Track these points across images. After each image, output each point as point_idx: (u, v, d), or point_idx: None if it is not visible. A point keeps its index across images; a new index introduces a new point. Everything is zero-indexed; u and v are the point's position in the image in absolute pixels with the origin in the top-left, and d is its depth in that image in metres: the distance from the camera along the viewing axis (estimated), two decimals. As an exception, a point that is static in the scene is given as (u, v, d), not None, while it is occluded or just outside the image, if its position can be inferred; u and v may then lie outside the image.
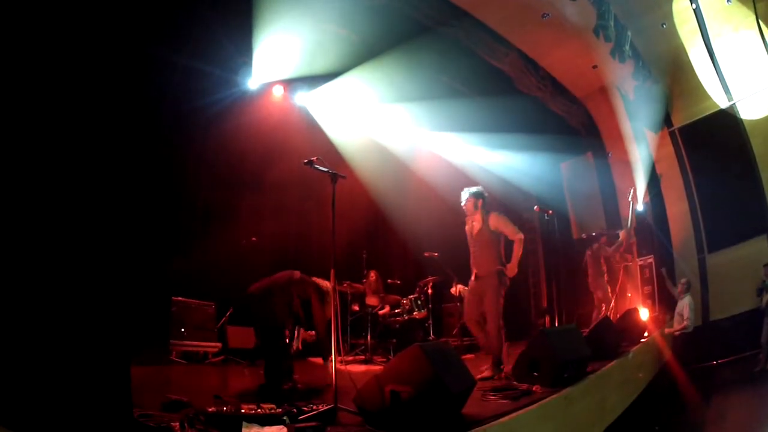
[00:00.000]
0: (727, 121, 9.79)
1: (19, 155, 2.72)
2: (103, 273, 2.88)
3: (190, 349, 6.88)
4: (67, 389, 2.51)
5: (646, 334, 8.03)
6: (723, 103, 9.85)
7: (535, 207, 9.51)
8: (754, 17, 8.20)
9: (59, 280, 2.65)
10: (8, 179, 2.64)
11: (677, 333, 9.00)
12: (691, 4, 8.73)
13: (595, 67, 10.18)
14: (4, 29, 2.80)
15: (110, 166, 3.26)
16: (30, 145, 2.78)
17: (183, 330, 6.84)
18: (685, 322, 8.96)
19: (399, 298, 8.40)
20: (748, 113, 9.58)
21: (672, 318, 9.36)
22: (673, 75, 10.54)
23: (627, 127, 10.97)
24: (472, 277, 5.98)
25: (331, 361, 3.90)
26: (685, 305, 9.08)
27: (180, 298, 7.01)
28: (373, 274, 8.77)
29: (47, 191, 2.76)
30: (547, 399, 4.04)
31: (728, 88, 9.67)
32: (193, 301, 7.19)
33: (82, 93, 3.14)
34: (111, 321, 2.81)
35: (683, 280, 9.46)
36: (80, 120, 3.09)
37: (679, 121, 10.94)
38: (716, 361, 9.23)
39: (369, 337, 7.79)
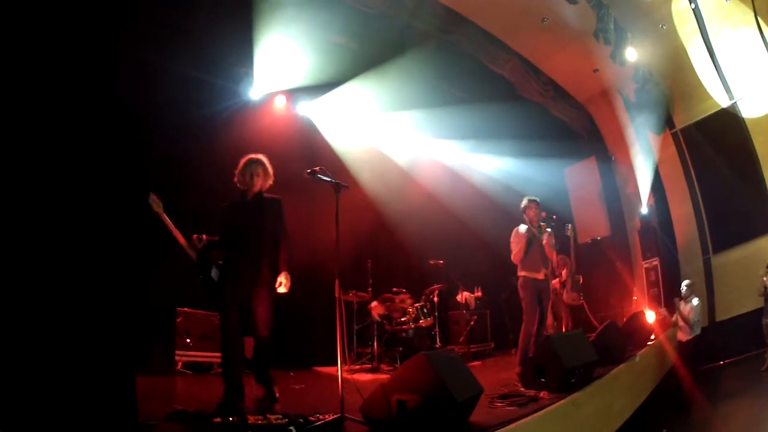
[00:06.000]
0: (728, 120, 9.77)
1: (17, 162, 2.74)
2: (107, 282, 2.88)
3: (196, 359, 6.86)
4: (70, 399, 2.51)
5: (652, 337, 7.99)
6: (724, 102, 9.83)
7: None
8: (752, 15, 8.18)
9: (62, 288, 2.65)
10: (7, 184, 2.66)
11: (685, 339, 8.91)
12: (690, 4, 8.71)
13: (596, 70, 10.20)
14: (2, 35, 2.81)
15: (114, 175, 3.26)
16: (29, 152, 2.79)
17: (188, 340, 6.83)
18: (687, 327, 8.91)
19: (405, 306, 8.37)
20: (749, 112, 9.56)
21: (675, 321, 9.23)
22: (674, 76, 10.52)
23: (629, 129, 10.98)
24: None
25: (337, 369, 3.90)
26: (691, 309, 8.99)
27: (185, 309, 7.00)
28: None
29: (49, 197, 2.77)
30: (555, 405, 4.04)
31: (729, 87, 9.64)
32: (199, 311, 7.18)
33: (84, 102, 3.15)
34: (115, 329, 2.81)
35: (687, 282, 9.33)
36: (82, 129, 3.09)
37: (681, 122, 10.93)
38: (722, 361, 9.20)
39: (375, 345, 7.75)
